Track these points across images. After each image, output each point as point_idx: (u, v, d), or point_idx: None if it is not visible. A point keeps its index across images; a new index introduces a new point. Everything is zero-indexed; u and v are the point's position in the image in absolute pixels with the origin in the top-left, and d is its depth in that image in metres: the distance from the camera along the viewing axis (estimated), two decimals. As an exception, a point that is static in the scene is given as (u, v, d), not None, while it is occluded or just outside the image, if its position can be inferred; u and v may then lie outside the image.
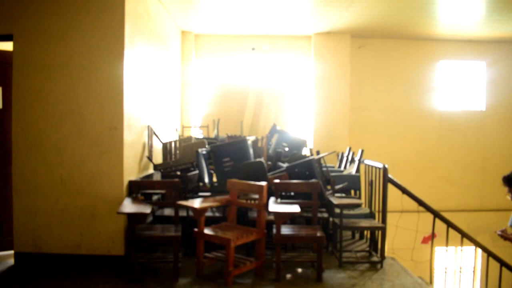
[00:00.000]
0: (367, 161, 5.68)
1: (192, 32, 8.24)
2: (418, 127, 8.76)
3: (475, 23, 7.62)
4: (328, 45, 8.19)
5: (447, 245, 5.43)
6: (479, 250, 5.64)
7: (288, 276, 4.39)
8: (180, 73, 8.10)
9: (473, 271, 5.53)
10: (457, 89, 9.00)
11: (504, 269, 5.51)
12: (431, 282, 5.16)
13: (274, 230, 4.19)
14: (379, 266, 4.75)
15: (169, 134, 6.92)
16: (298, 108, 8.55)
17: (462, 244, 5.39)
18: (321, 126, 8.26)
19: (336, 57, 8.20)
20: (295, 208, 4.18)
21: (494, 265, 5.54)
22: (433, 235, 5.42)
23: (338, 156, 7.15)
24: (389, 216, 5.07)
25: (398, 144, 8.68)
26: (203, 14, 7.15)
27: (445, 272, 5.95)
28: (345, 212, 4.99)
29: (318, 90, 8.22)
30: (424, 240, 6.30)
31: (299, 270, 4.58)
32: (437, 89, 8.83)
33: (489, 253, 5.43)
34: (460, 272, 5.70)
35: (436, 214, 5.29)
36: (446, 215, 5.62)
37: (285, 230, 4.35)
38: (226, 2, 6.46)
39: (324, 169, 5.42)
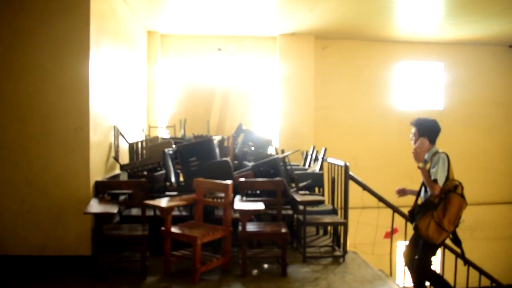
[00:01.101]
0: (329, 159, 5.87)
1: (158, 32, 8.26)
2: (380, 126, 9.04)
3: (433, 26, 7.95)
4: (293, 46, 8.37)
5: (405, 239, 5.66)
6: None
7: (254, 271, 4.53)
8: (146, 73, 8.12)
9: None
10: (416, 89, 9.35)
11: (459, 261, 5.77)
12: (391, 274, 5.39)
13: (240, 227, 4.31)
14: (341, 260, 4.94)
15: (136, 134, 6.94)
16: (264, 107, 8.70)
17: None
18: (286, 125, 8.43)
19: (301, 58, 8.38)
20: (260, 206, 4.32)
21: (450, 257, 5.81)
22: (392, 230, 5.64)
23: (303, 154, 7.33)
24: (351, 212, 5.26)
25: (360, 142, 8.93)
26: (169, 14, 7.19)
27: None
28: (309, 208, 5.16)
29: (283, 90, 8.39)
30: (387, 235, 6.54)
31: (265, 265, 4.73)
32: (397, 89, 9.15)
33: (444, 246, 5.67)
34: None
35: (395, 209, 5.53)
36: (406, 210, 5.86)
37: (251, 227, 4.48)
38: (192, 3, 6.53)
39: (289, 167, 5.57)
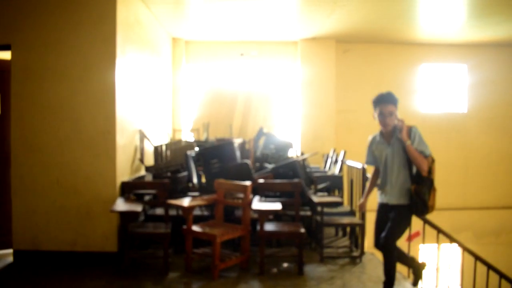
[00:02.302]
0: (348, 162, 5.98)
1: (183, 39, 8.51)
2: (402, 129, 9.04)
3: (455, 28, 7.91)
4: (314, 50, 8.49)
5: (423, 242, 5.70)
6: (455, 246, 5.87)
7: (272, 270, 4.68)
8: (171, 78, 8.37)
9: (449, 267, 5.78)
10: (439, 91, 9.31)
11: (479, 263, 5.77)
12: (408, 276, 5.45)
13: (258, 227, 4.48)
14: (358, 260, 5.05)
15: (160, 138, 7.19)
16: (285, 111, 8.83)
17: (438, 240, 5.63)
18: (307, 128, 8.54)
19: (322, 62, 8.48)
20: (277, 206, 4.48)
21: (470, 260, 5.82)
22: (410, 234, 5.67)
23: (323, 157, 7.45)
24: (369, 214, 5.34)
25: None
26: (193, 21, 7.42)
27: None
28: (327, 210, 5.29)
29: (304, 94, 8.51)
30: (410, 237, 6.56)
31: (283, 264, 4.88)
32: (419, 91, 9.14)
33: (464, 248, 5.68)
34: (437, 268, 5.94)
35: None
36: (430, 213, 5.90)
37: (269, 226, 4.64)
38: (216, 10, 6.72)
39: (308, 170, 5.71)
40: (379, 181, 3.98)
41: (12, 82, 4.89)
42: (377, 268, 4.81)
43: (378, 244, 3.99)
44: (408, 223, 3.94)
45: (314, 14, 6.94)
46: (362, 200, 4.23)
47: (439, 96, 9.31)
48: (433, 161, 3.78)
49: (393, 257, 3.83)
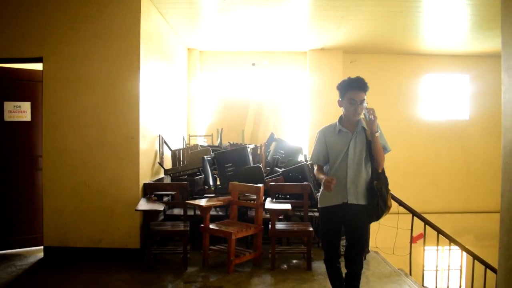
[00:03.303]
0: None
1: (197, 49, 8.94)
2: (407, 135, 9.38)
3: (458, 40, 8.26)
4: (322, 60, 8.88)
5: (424, 243, 6.03)
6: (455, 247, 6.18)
7: (283, 266, 5.05)
8: (187, 87, 8.80)
9: (448, 267, 6.06)
10: (442, 100, 9.67)
11: (477, 263, 6.09)
12: (410, 274, 5.78)
13: (270, 226, 4.86)
14: (363, 258, 5.39)
15: (177, 143, 7.60)
16: (294, 118, 9.22)
17: (438, 241, 5.93)
18: (315, 134, 8.83)
19: (330, 71, 8.85)
20: (287, 206, 4.87)
21: (470, 260, 6.13)
22: (412, 235, 6.00)
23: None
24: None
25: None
26: (207, 33, 7.84)
27: (423, 269, 6.46)
28: (334, 211, 5.64)
29: (313, 102, 8.88)
30: (414, 240, 6.85)
31: (293, 261, 5.25)
32: (423, 100, 9.51)
33: (463, 249, 6.00)
34: (436, 269, 6.19)
35: (414, 213, 5.91)
36: (433, 217, 6.21)
37: (280, 225, 5.02)
38: (228, 22, 7.12)
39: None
40: (328, 179, 3.32)
41: (44, 91, 5.31)
42: (380, 265, 5.18)
43: (333, 259, 3.55)
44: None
45: (322, 27, 7.34)
46: (326, 177, 3.37)
47: (442, 105, 9.67)
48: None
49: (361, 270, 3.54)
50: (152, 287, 4.33)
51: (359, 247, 3.44)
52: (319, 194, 3.60)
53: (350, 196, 3.35)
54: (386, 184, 3.39)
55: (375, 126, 3.31)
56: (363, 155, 3.37)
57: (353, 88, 3.37)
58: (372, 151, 3.35)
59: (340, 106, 3.49)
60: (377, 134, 3.32)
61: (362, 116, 3.40)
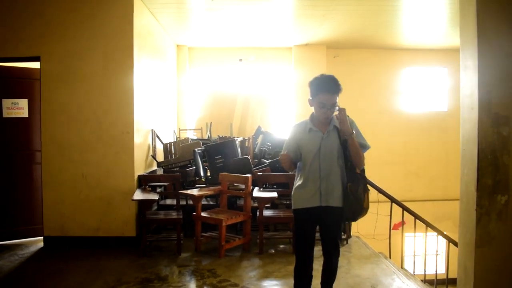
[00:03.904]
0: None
1: (186, 46, 9.23)
2: (388, 127, 9.79)
3: (436, 35, 8.64)
4: (307, 55, 9.22)
5: (403, 229, 6.39)
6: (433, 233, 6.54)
7: (270, 250, 5.42)
8: (176, 82, 9.09)
9: (425, 251, 6.46)
10: (422, 92, 10.10)
11: (452, 246, 6.44)
12: (390, 257, 6.17)
13: (258, 213, 5.22)
14: (345, 242, 5.80)
15: (168, 136, 7.91)
16: (281, 111, 9.57)
17: (415, 226, 6.27)
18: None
19: (314, 66, 9.17)
20: (273, 194, 5.23)
21: (444, 244, 6.51)
22: (390, 222, 6.37)
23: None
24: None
25: (370, 142, 9.65)
26: (195, 30, 8.13)
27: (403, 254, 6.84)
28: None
29: (298, 95, 9.21)
30: (395, 227, 7.23)
31: (279, 246, 5.62)
32: (404, 92, 9.92)
33: (439, 233, 6.37)
34: (414, 253, 6.54)
35: (393, 200, 6.28)
36: (414, 204, 6.57)
37: (267, 213, 5.38)
38: (216, 19, 7.40)
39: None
40: (300, 181, 3.28)
41: (42, 89, 5.58)
42: (361, 249, 5.58)
43: (305, 265, 3.37)
44: None
45: (306, 24, 7.68)
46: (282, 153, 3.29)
47: (421, 97, 10.09)
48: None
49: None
50: (149, 270, 4.66)
51: (336, 241, 3.37)
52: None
53: (324, 198, 3.16)
54: (364, 184, 3.19)
55: (346, 127, 3.09)
56: (335, 155, 3.16)
57: (324, 91, 3.10)
58: (349, 152, 3.14)
59: (311, 105, 3.23)
60: (353, 135, 3.11)
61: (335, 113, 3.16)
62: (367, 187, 3.22)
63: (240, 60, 9.35)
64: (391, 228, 7.43)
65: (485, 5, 2.95)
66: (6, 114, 5.88)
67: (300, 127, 3.30)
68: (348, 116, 3.13)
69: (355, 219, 3.25)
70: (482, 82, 2.94)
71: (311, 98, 3.20)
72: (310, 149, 3.20)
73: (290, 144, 3.30)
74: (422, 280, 5.26)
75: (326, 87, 3.10)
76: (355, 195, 3.12)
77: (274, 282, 4.41)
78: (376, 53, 9.71)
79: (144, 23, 6.25)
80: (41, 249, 5.54)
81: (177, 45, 9.13)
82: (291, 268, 4.71)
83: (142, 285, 4.23)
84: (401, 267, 6.05)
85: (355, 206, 3.14)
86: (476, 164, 2.93)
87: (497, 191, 2.92)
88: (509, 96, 2.92)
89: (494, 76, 2.94)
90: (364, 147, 3.25)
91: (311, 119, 3.27)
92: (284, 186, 5.83)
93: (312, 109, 3.26)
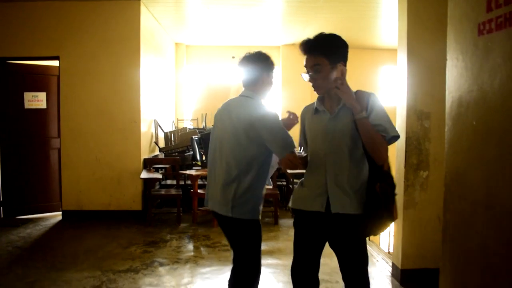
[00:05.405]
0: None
1: (184, 44, 10.13)
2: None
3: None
4: (294, 54, 10.06)
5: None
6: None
7: (255, 222, 6.40)
8: (175, 77, 10.00)
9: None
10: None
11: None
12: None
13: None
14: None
15: (168, 126, 8.85)
16: (268, 105, 10.47)
17: None
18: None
19: (300, 64, 9.83)
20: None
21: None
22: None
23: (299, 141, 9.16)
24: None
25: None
26: (192, 30, 8.99)
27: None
28: (297, 180, 7.01)
29: (285, 90, 10.14)
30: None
31: (265, 219, 6.60)
32: (382, 89, 10.88)
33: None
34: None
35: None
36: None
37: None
38: (211, 19, 8.20)
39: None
40: (304, 176, 2.48)
41: (61, 85, 6.48)
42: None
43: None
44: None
45: (291, 27, 8.61)
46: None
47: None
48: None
49: None
50: (154, 236, 5.63)
51: (356, 268, 2.34)
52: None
53: (333, 201, 2.28)
54: (393, 187, 2.28)
55: (350, 101, 2.24)
56: (351, 144, 2.29)
57: (303, 51, 2.50)
58: (362, 139, 2.26)
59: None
60: (361, 115, 2.21)
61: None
62: (395, 190, 2.29)
63: (233, 57, 10.25)
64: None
65: (416, 25, 3.92)
66: (27, 105, 6.76)
67: (307, 108, 2.61)
68: (372, 94, 2.34)
69: (380, 231, 2.34)
70: (410, 86, 3.92)
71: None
72: (314, 135, 2.43)
73: (300, 134, 2.61)
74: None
75: (301, 46, 2.49)
76: (387, 198, 2.21)
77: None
78: (356, 53, 10.55)
79: (148, 25, 7.14)
80: (60, 221, 6.48)
81: (176, 43, 10.03)
82: (272, 234, 5.76)
83: (149, 246, 5.21)
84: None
85: (385, 215, 2.23)
86: (405, 148, 3.92)
87: (420, 168, 3.92)
88: (430, 97, 3.89)
89: (418, 82, 3.92)
90: (386, 133, 2.23)
91: (318, 98, 2.50)
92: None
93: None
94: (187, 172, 6.30)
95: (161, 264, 4.58)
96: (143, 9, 6.70)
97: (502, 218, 1.65)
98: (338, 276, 2.85)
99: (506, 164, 1.64)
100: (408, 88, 3.95)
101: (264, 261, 3.89)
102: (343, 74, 2.35)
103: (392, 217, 2.24)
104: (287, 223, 6.34)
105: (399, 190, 3.88)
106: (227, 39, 9.82)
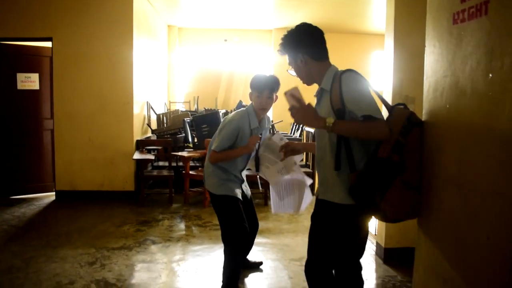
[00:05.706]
0: (306, 128, 7.84)
1: (176, 26, 10.16)
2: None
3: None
4: (285, 37, 10.19)
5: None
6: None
7: (246, 203, 6.56)
8: (167, 59, 10.05)
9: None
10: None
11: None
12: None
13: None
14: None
15: (160, 108, 8.93)
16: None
17: None
18: (279, 102, 10.29)
19: (292, 47, 10.19)
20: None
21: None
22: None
23: (290, 125, 9.31)
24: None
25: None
26: (185, 12, 9.03)
27: None
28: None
29: (277, 74, 10.19)
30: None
31: (255, 200, 6.73)
32: (373, 73, 11.00)
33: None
34: None
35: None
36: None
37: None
38: (204, 2, 8.32)
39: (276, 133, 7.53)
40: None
41: (54, 66, 6.52)
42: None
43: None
44: None
45: (283, 11, 8.67)
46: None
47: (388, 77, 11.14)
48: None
49: None
50: (147, 215, 5.77)
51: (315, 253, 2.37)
52: None
53: (320, 189, 2.33)
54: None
55: (308, 124, 2.24)
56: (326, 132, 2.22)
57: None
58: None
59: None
60: (328, 125, 2.10)
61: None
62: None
63: (225, 40, 10.33)
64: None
65: (403, 12, 4.03)
66: (20, 86, 6.78)
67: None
68: (337, 70, 2.39)
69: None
70: (396, 71, 4.05)
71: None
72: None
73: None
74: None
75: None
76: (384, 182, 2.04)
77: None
78: (348, 38, 10.71)
79: (141, 7, 7.15)
80: (54, 201, 6.57)
81: (168, 26, 10.06)
82: (262, 215, 5.91)
83: (142, 225, 5.35)
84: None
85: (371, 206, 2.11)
86: (390, 131, 4.04)
87: (404, 151, 4.05)
88: (415, 82, 4.02)
89: (404, 68, 4.04)
90: (363, 112, 2.09)
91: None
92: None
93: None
94: (179, 153, 6.42)
95: (154, 242, 4.72)
96: (135, -10, 6.74)
97: (469, 193, 1.80)
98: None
99: (474, 143, 1.78)
100: (394, 73, 4.07)
101: (254, 239, 4.04)
102: (294, 96, 2.27)
103: (381, 211, 2.07)
104: (277, 204, 6.49)
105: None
106: (219, 22, 9.87)
